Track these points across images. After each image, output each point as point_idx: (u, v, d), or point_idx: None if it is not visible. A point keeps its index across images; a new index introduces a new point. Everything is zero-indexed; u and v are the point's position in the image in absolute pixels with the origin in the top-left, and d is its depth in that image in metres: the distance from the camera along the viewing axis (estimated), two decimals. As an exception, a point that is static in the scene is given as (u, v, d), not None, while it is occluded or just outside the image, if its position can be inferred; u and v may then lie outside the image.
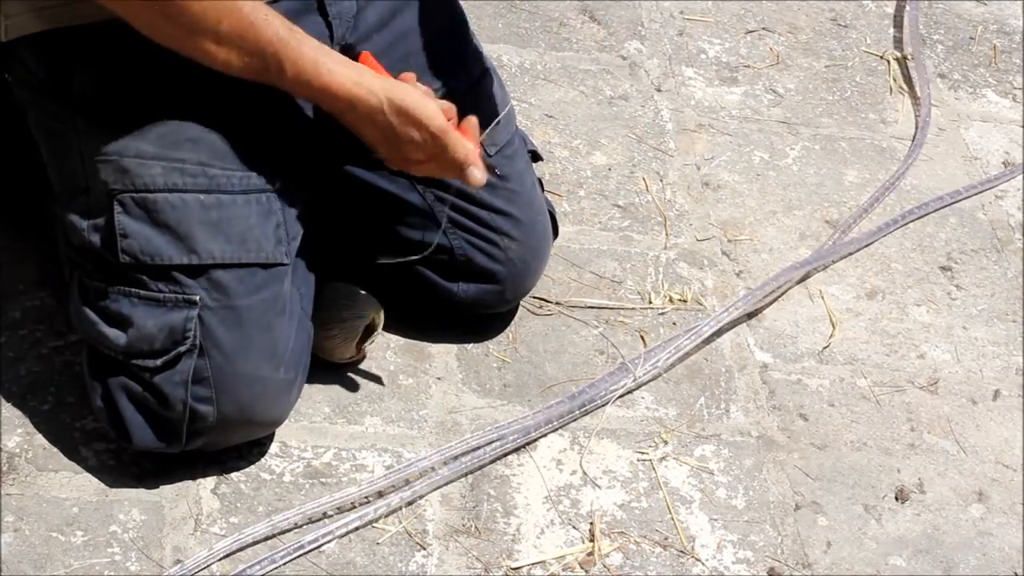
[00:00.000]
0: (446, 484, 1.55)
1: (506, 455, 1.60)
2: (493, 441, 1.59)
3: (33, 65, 1.45)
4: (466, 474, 1.57)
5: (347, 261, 1.70)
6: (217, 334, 1.44)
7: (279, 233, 1.48)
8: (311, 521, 1.49)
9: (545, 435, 1.63)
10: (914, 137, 2.15)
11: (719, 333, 1.79)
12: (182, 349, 1.44)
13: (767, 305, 1.85)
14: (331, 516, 1.50)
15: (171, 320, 1.43)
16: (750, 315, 1.83)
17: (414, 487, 1.53)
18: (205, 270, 1.44)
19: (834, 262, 1.93)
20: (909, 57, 2.31)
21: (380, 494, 1.52)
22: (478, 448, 1.58)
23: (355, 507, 1.51)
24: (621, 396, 1.68)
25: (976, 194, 2.07)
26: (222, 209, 1.44)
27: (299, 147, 1.52)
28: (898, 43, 2.36)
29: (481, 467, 1.58)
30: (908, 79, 2.28)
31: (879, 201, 2.02)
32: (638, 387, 1.71)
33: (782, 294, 1.87)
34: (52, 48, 1.43)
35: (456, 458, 1.57)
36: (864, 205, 2.01)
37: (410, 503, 1.53)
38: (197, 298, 1.43)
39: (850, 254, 1.95)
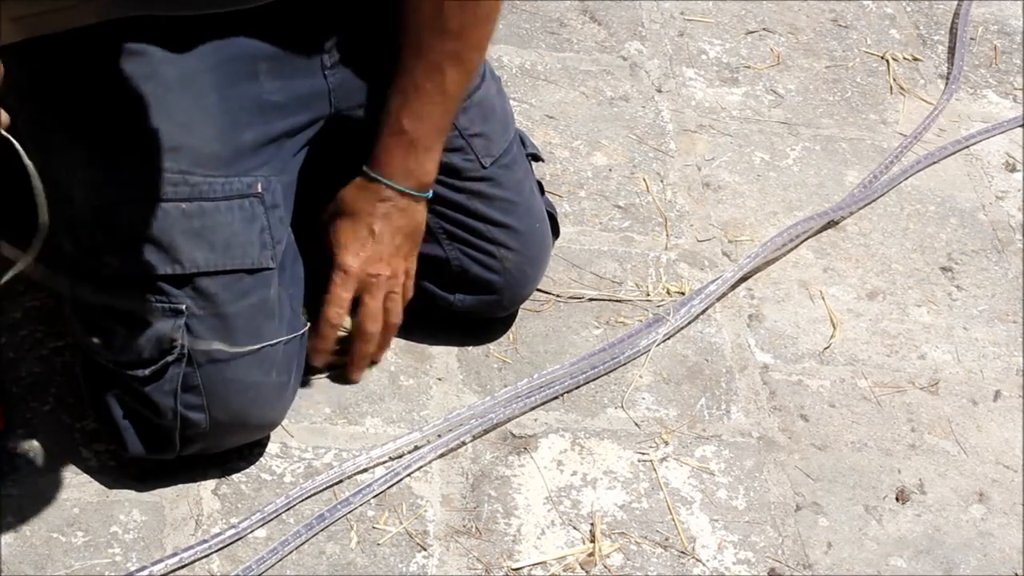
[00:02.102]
0: (493, 429, 1.63)
1: (545, 403, 1.67)
2: (534, 391, 1.66)
3: (17, 73, 1.44)
4: (500, 424, 1.63)
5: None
6: (207, 341, 1.44)
7: (264, 237, 1.47)
8: (310, 521, 1.49)
9: (579, 386, 1.69)
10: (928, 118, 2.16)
11: (744, 279, 1.87)
12: (170, 359, 1.43)
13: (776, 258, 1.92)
14: (330, 515, 1.50)
15: (158, 330, 1.43)
16: (751, 316, 1.83)
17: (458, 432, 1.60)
18: (190, 279, 1.42)
19: (837, 220, 1.98)
20: (916, 59, 2.32)
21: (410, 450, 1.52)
22: (528, 395, 1.66)
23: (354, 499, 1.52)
24: (659, 344, 1.75)
25: (954, 150, 2.16)
26: (205, 217, 1.43)
27: (284, 151, 1.52)
28: (898, 43, 2.36)
29: (511, 418, 1.64)
30: (913, 80, 2.28)
31: (897, 160, 2.11)
32: (676, 331, 1.78)
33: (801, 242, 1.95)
34: (34, 57, 1.42)
35: (517, 398, 1.65)
36: (887, 160, 2.10)
37: (443, 455, 1.56)
38: (183, 307, 1.42)
39: (852, 213, 2.00)
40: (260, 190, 1.46)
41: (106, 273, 1.43)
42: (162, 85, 1.41)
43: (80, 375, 1.52)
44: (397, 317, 1.62)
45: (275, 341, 1.48)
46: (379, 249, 1.56)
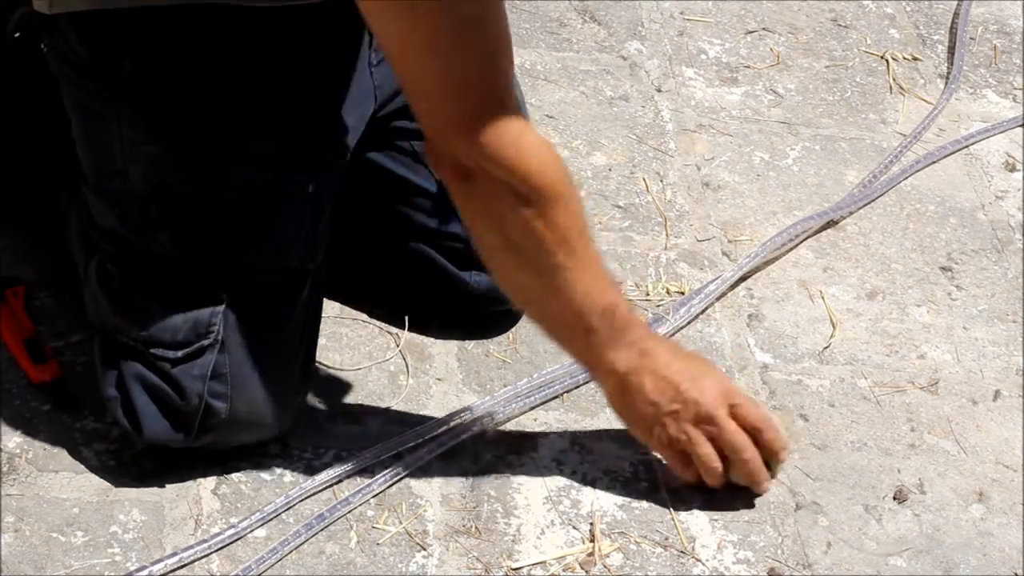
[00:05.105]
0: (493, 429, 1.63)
1: (551, 400, 1.67)
2: (534, 391, 1.66)
3: (76, 43, 1.42)
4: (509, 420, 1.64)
5: (360, 249, 1.70)
6: (240, 333, 1.44)
7: (311, 239, 1.48)
8: (309, 521, 1.49)
9: (579, 386, 1.69)
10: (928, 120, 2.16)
11: (743, 279, 1.87)
12: (205, 343, 1.44)
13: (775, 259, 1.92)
14: (330, 514, 1.50)
15: (197, 314, 1.43)
16: (750, 316, 1.83)
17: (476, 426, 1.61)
18: (236, 269, 1.43)
19: (837, 220, 1.98)
20: (916, 58, 2.32)
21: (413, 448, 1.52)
22: (528, 395, 1.66)
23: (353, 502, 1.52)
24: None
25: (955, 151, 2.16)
26: (259, 211, 1.44)
27: (334, 152, 1.52)
28: (898, 43, 2.36)
29: (511, 418, 1.64)
30: (912, 79, 2.28)
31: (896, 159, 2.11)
32: (676, 331, 1.77)
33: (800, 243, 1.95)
34: (99, 29, 1.40)
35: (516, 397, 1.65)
36: (886, 160, 2.10)
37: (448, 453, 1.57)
38: (225, 295, 1.43)
39: (851, 213, 2.00)
40: (311, 191, 1.47)
41: (154, 251, 1.43)
42: (226, 75, 1.41)
43: (96, 355, 1.51)
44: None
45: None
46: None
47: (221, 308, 1.43)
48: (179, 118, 1.42)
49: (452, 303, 1.71)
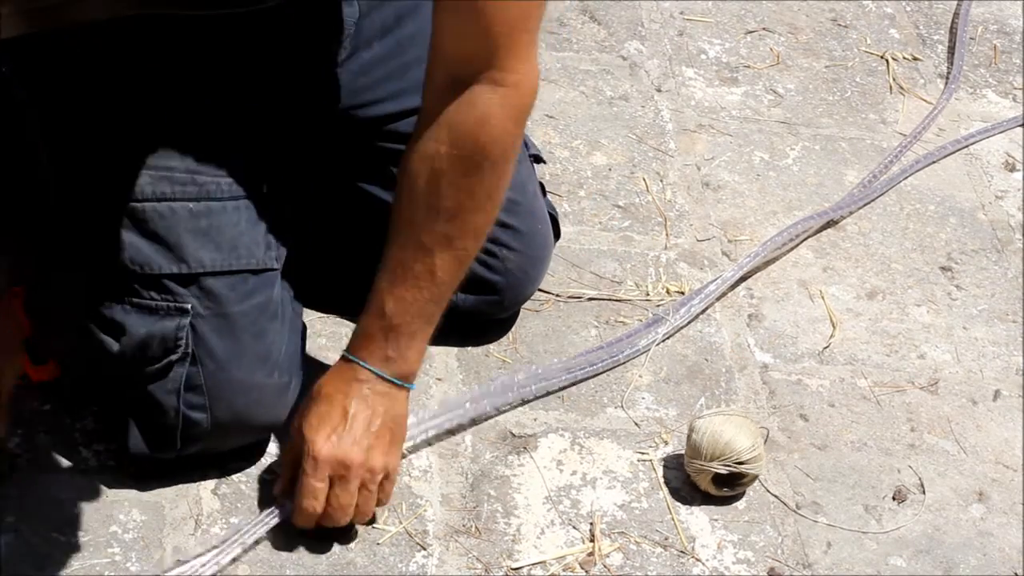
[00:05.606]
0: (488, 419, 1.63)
1: (534, 399, 1.67)
2: (531, 382, 1.65)
3: (28, 65, 1.44)
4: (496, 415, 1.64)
5: (344, 266, 1.69)
6: (210, 342, 1.43)
7: (268, 238, 1.47)
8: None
9: (576, 382, 1.69)
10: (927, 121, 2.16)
11: (743, 279, 1.87)
12: (174, 357, 1.43)
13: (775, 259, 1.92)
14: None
15: (163, 328, 1.42)
16: (750, 316, 1.83)
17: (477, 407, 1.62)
18: (196, 278, 1.42)
19: (837, 220, 1.98)
20: (916, 58, 2.32)
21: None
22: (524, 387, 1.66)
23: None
24: (659, 344, 1.75)
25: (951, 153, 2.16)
26: (212, 216, 1.43)
27: (288, 150, 1.51)
28: (898, 43, 2.36)
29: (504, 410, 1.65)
30: (912, 79, 2.28)
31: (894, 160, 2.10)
32: (676, 331, 1.78)
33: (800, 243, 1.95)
34: (42, 51, 1.41)
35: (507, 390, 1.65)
36: (886, 159, 2.09)
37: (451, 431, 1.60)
38: (189, 306, 1.42)
39: (851, 213, 2.00)
40: (266, 191, 1.46)
41: (118, 264, 1.42)
42: (172, 84, 1.41)
43: (84, 372, 1.51)
44: (365, 515, 1.46)
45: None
46: (354, 434, 1.42)
47: (187, 320, 1.42)
48: (119, 133, 1.41)
49: (443, 319, 1.71)
